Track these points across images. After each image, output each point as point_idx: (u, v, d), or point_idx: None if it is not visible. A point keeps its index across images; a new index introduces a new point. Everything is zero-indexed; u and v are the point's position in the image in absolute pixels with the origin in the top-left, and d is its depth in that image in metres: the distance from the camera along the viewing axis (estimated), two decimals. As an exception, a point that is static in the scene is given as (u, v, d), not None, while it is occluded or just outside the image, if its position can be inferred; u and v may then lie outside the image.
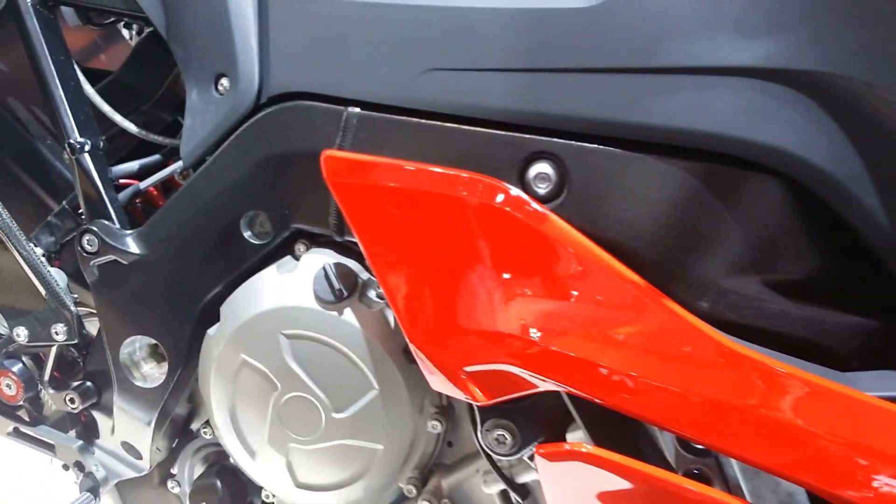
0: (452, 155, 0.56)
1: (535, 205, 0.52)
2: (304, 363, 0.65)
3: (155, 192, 0.78)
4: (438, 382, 0.56)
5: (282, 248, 0.68)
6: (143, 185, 0.74)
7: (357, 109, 0.59)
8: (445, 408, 0.66)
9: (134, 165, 0.75)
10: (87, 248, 0.70)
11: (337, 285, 0.62)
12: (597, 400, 0.49)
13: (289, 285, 0.65)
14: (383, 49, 0.57)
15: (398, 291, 0.56)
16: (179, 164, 0.72)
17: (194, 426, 0.81)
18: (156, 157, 0.78)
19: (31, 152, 0.80)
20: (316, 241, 0.68)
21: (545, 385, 0.51)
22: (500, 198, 0.52)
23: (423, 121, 0.57)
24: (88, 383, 0.78)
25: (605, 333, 0.49)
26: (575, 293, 0.50)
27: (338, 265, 0.63)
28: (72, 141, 0.70)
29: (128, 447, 0.79)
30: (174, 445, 0.84)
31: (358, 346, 0.63)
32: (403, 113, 0.58)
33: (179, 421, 0.82)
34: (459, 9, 0.54)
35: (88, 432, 0.83)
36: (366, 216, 0.57)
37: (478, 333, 0.52)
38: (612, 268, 0.49)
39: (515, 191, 0.53)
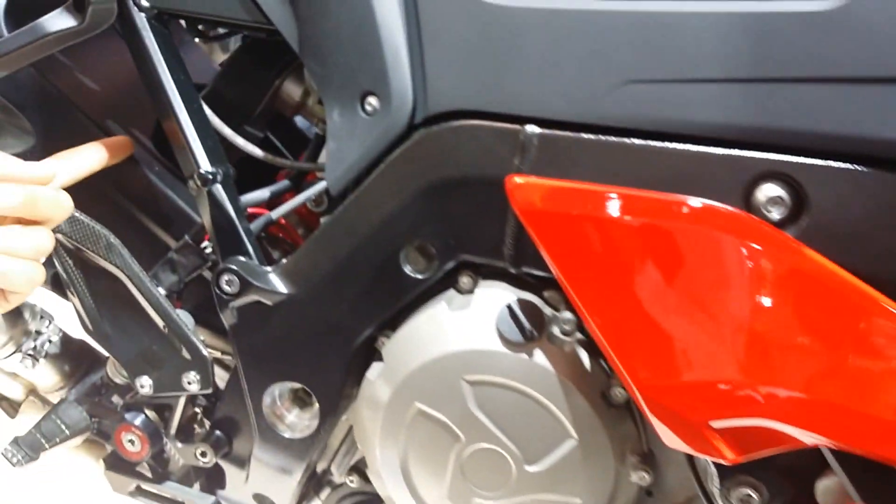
0: (659, 178, 0.54)
1: (781, 234, 0.50)
2: (490, 412, 0.63)
3: (283, 222, 0.76)
4: (672, 438, 0.53)
5: (440, 282, 0.66)
6: (274, 214, 0.72)
7: (537, 128, 0.57)
8: (647, 455, 0.64)
9: (265, 193, 0.72)
10: (227, 289, 0.67)
11: (527, 325, 0.60)
12: (875, 454, 0.47)
13: (468, 326, 0.63)
14: (569, 60, 0.55)
15: (618, 335, 0.53)
16: (311, 190, 0.70)
17: (339, 478, 0.79)
18: (284, 182, 0.75)
19: (137, 181, 0.77)
20: (479, 271, 0.66)
21: (812, 441, 0.49)
22: (738, 226, 0.50)
23: (622, 139, 0.55)
24: (218, 433, 0.76)
25: (886, 378, 0.47)
26: (843, 334, 0.48)
27: (522, 302, 0.61)
28: (202, 171, 0.67)
29: (260, 498, 0.78)
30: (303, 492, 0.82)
31: (552, 391, 0.60)
32: (594, 131, 0.56)
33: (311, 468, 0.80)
34: (664, 14, 0.52)
35: (210, 483, 0.81)
36: (570, 250, 0.55)
37: (727, 384, 0.50)
38: (881, 304, 0.47)
39: (754, 218, 0.50)
